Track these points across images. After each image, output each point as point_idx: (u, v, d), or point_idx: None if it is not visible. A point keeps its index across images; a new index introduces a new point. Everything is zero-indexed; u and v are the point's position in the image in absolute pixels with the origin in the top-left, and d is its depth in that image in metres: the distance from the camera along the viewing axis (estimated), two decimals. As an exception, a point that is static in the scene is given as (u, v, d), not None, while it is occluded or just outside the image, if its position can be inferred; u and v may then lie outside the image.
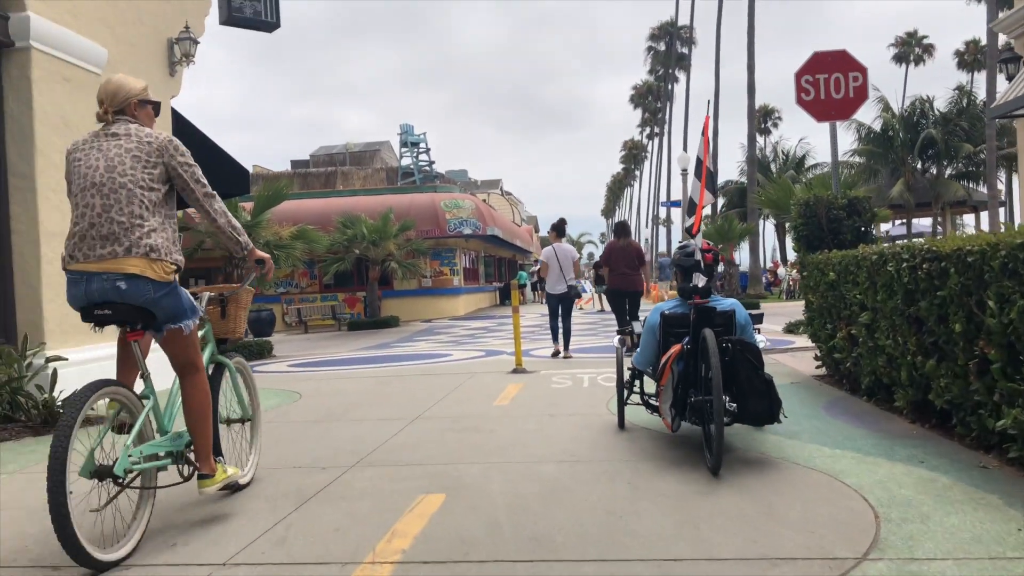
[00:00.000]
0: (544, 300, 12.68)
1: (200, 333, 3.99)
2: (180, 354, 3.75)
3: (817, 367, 8.01)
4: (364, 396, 8.15)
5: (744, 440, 5.27)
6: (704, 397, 4.45)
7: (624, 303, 10.70)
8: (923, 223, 39.34)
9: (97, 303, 3.50)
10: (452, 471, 4.70)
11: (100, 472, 3.28)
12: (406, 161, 30.70)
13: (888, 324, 5.52)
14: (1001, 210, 31.18)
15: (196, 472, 3.74)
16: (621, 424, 5.78)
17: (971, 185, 33.81)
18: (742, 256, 28.72)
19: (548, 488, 4.24)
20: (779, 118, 67.48)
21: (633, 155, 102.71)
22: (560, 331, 11.40)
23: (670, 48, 68.02)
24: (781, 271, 32.13)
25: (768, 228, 40.70)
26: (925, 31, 71.29)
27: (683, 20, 66.69)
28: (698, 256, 5.15)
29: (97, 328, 3.64)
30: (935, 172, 32.67)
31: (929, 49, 69.71)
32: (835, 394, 6.98)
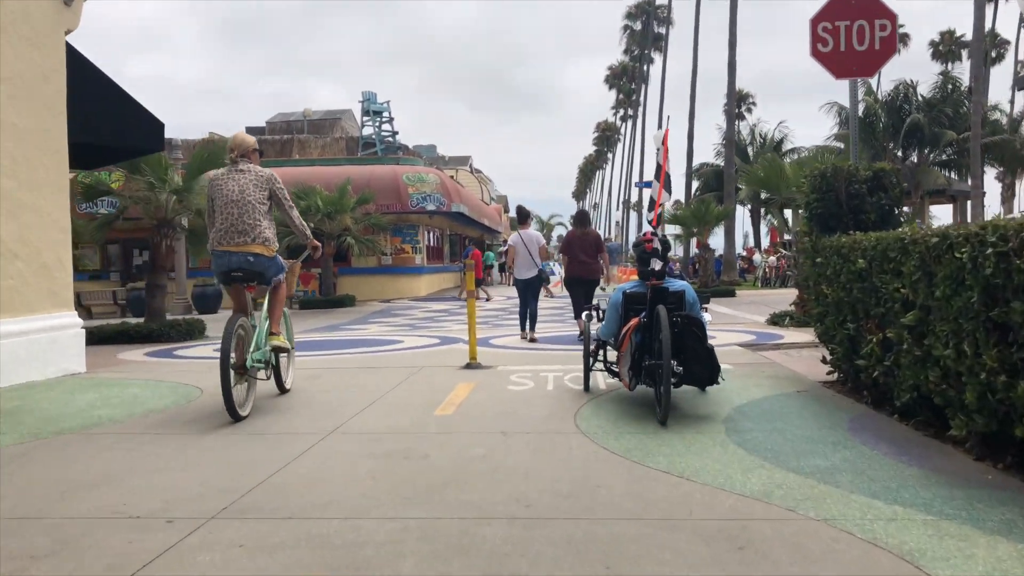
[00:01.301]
0: (511, 283, 12.46)
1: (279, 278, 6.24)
2: (276, 289, 6.20)
3: (828, 373, 6.69)
4: (280, 399, 6.67)
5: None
6: (656, 362, 5.29)
7: (582, 290, 10.69)
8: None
9: (234, 269, 5.85)
10: (352, 535, 3.24)
11: (237, 367, 5.67)
12: (368, 131, 28.85)
13: (950, 329, 4.17)
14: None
15: (272, 333, 6.10)
16: (587, 388, 6.69)
17: (952, 175, 32.93)
18: (718, 241, 27.52)
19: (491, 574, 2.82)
20: (753, 103, 66.49)
21: (606, 137, 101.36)
22: (527, 318, 11.34)
23: (647, 28, 66.53)
24: (757, 257, 31.02)
25: (743, 214, 39.64)
26: (900, 21, 70.18)
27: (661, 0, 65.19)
28: (656, 244, 5.87)
29: (230, 286, 6.02)
30: (916, 160, 31.72)
31: (904, 39, 69.13)
32: (856, 409, 5.64)
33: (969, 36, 62.21)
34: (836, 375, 6.62)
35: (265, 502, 3.69)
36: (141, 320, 14.10)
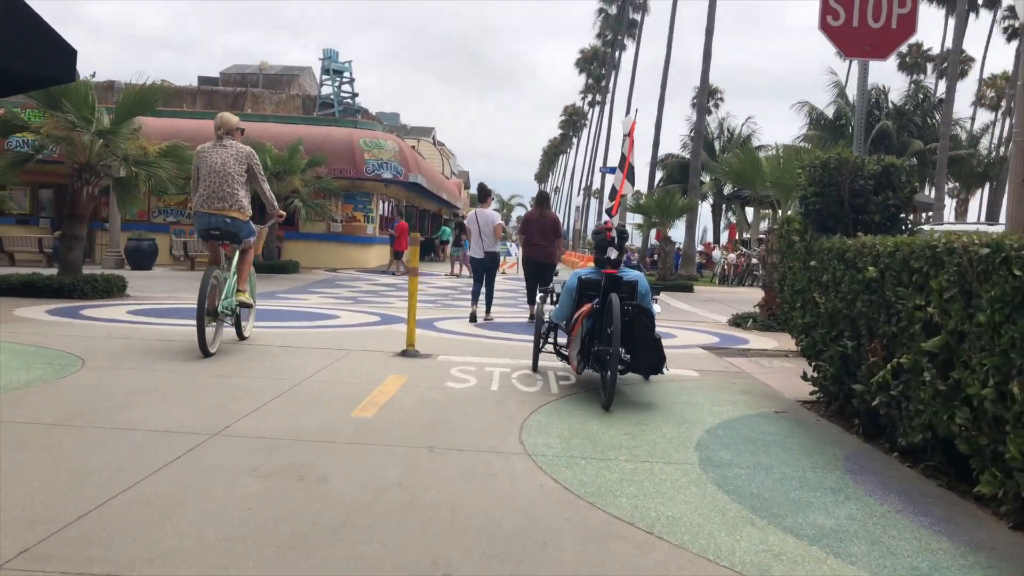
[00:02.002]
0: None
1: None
2: (245, 251, 7.11)
3: (811, 392, 5.87)
4: (171, 378, 5.62)
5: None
6: (605, 348, 5.36)
7: (537, 273, 10.37)
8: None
9: (212, 228, 6.80)
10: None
11: (210, 311, 6.58)
12: (326, 90, 27.36)
13: (993, 363, 3.33)
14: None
15: (238, 290, 7.05)
16: (535, 368, 6.79)
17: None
18: (678, 234, 26.86)
19: None
20: (721, 98, 66.04)
21: (573, 121, 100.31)
22: (482, 295, 10.94)
23: (622, 12, 65.53)
24: (716, 253, 30.45)
25: (704, 209, 39.10)
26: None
27: (639, -16, 64.12)
28: (614, 234, 5.95)
29: (207, 241, 7.01)
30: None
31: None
32: (849, 442, 4.80)
33: (936, 50, 62.80)
34: (818, 395, 5.81)
35: (79, 549, 2.67)
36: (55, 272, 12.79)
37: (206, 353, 6.45)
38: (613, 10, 67.21)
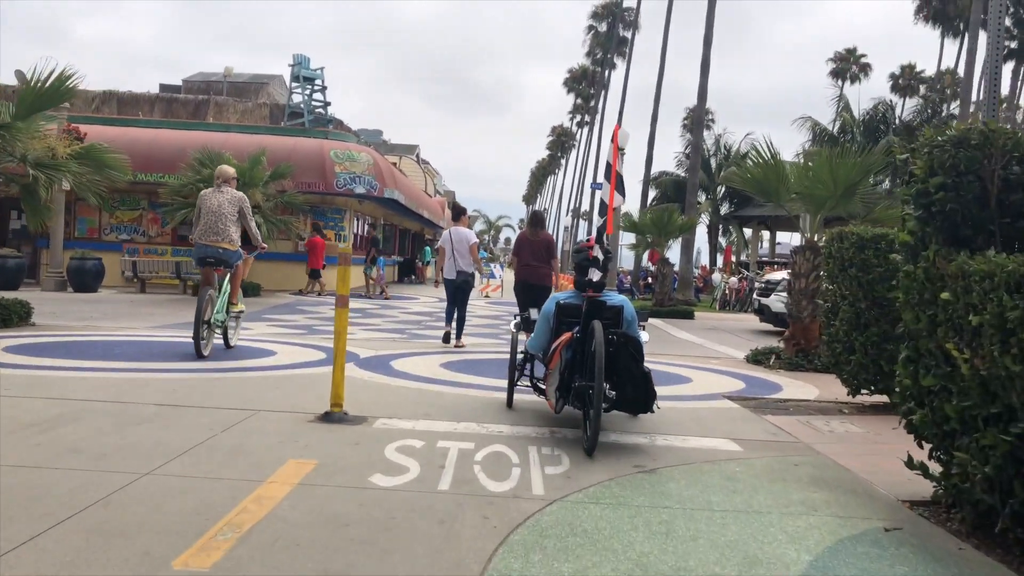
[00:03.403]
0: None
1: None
2: (236, 273, 8.61)
3: (936, 489, 3.83)
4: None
5: None
6: (587, 383, 4.75)
7: (530, 296, 9.65)
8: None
9: (208, 256, 8.21)
10: None
11: (207, 321, 7.98)
12: (296, 98, 25.29)
13: None
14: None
15: (231, 303, 8.57)
16: (510, 404, 6.04)
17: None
18: (673, 255, 24.87)
19: None
20: (712, 120, 64.63)
21: (561, 142, 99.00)
22: (455, 317, 10.48)
23: (612, 30, 64.15)
24: (715, 276, 28.52)
25: (698, 230, 37.21)
26: (862, 51, 69.91)
27: (629, 3, 62.77)
28: (597, 253, 5.26)
29: (203, 267, 8.43)
30: (888, 186, 29.71)
31: (866, 68, 68.32)
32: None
33: (928, 71, 61.50)
34: (939, 491, 3.79)
35: None
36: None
37: (200, 355, 7.86)
38: (603, 27, 65.87)
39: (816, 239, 10.48)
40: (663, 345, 12.84)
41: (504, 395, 6.22)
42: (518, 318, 6.71)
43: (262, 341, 9.95)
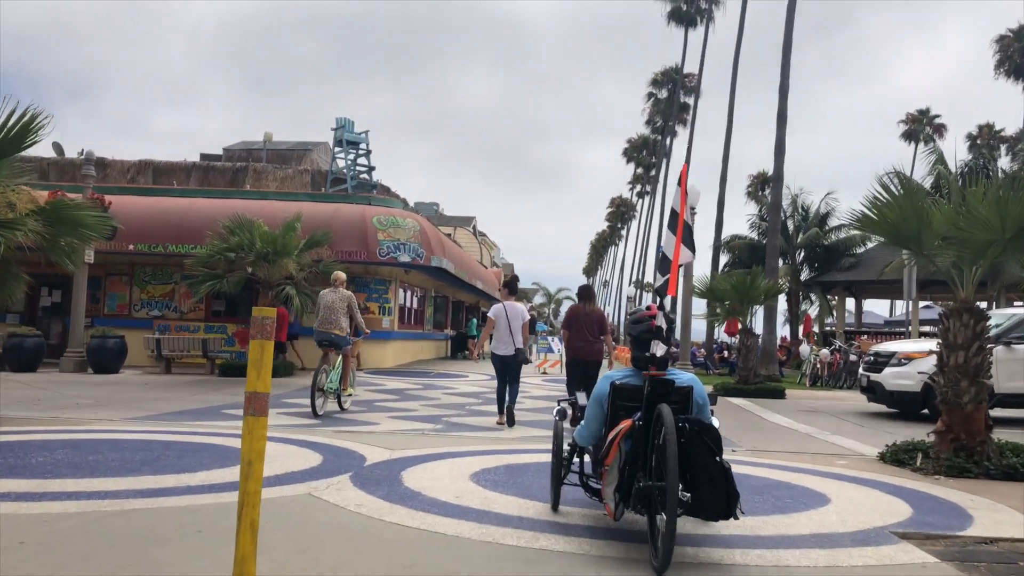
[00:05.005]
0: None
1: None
2: (347, 354, 10.89)
3: None
4: None
5: None
6: (655, 482, 3.98)
7: (583, 372, 9.65)
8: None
9: (324, 340, 10.50)
10: None
11: (322, 389, 10.20)
12: (339, 164, 23.77)
13: None
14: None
15: (341, 390, 10.71)
16: (555, 507, 5.08)
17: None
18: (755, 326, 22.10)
19: None
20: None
21: (620, 212, 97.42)
22: (506, 399, 10.05)
23: (672, 95, 62.63)
24: (804, 349, 25.53)
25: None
26: (936, 111, 66.96)
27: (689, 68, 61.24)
28: (660, 322, 4.52)
29: (321, 347, 10.68)
30: (992, 245, 26.60)
31: (940, 129, 65.18)
32: None
33: (1008, 131, 57.96)
34: None
35: None
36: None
37: (315, 414, 9.86)
38: (663, 94, 64.40)
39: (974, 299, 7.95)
40: (760, 435, 10.24)
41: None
42: (562, 404, 5.70)
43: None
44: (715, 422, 4.47)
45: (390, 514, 4.69)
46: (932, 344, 14.57)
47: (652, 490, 3.98)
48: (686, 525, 4.45)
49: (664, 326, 4.49)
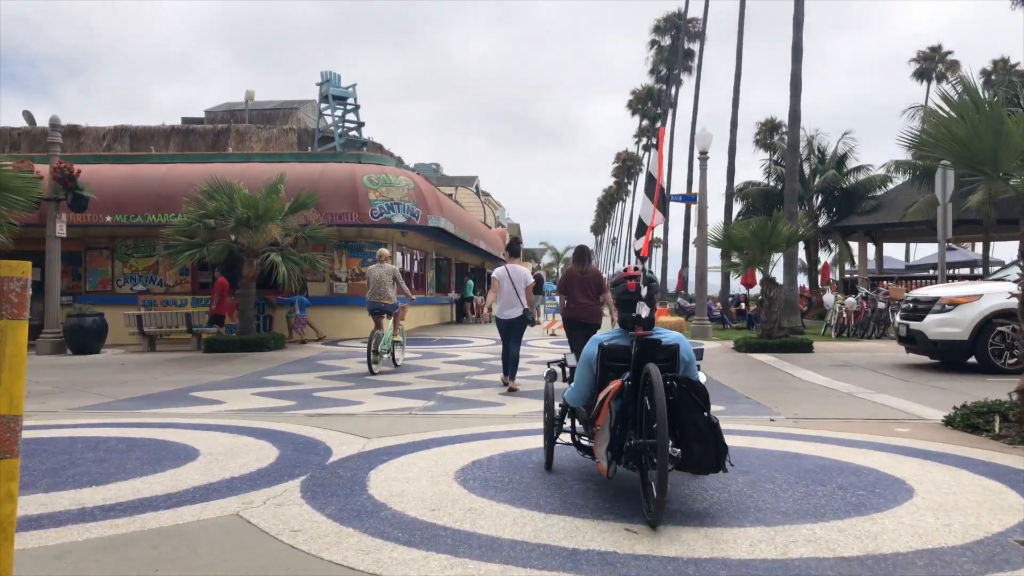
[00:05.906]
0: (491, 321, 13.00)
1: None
2: (398, 316, 12.57)
3: None
4: None
5: None
6: (645, 440, 4.03)
7: (581, 334, 9.25)
8: (1003, 246, 31.52)
9: (375, 309, 12.17)
10: None
11: (378, 349, 11.94)
12: (327, 121, 22.27)
13: None
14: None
15: (393, 338, 12.43)
16: (548, 466, 5.19)
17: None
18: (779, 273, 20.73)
19: None
20: (786, 134, 59.99)
21: (627, 167, 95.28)
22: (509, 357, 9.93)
23: (676, 43, 60.36)
24: (828, 298, 24.14)
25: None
26: (948, 47, 64.42)
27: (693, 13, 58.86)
28: (639, 283, 4.50)
29: (373, 315, 12.29)
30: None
31: (953, 66, 62.62)
32: None
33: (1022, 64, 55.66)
34: None
35: None
36: None
37: (372, 373, 11.40)
38: (667, 41, 62.15)
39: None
40: (796, 397, 8.97)
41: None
42: (552, 366, 5.75)
43: (212, 428, 6.55)
44: (702, 377, 4.55)
45: (335, 545, 3.45)
46: (981, 287, 13.30)
47: (643, 447, 4.02)
48: (740, 549, 3.21)
49: (644, 290, 4.42)
